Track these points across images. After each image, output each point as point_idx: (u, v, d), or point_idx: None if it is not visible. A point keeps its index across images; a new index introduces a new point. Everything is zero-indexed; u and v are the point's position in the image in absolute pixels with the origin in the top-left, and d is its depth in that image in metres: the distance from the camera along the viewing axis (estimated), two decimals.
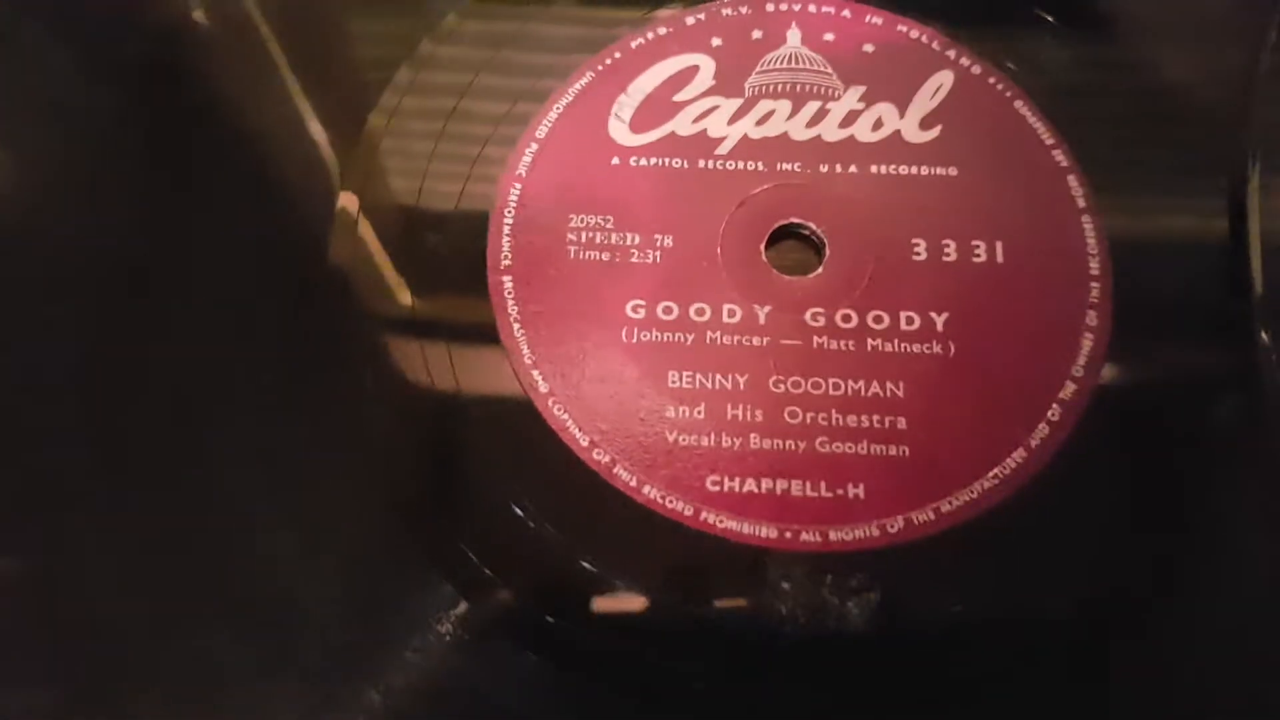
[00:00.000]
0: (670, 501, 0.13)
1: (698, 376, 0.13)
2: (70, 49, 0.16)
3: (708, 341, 0.13)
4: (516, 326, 0.14)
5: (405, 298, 0.14)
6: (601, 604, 0.12)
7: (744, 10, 0.15)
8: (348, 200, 0.14)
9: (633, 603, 0.12)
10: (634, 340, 0.13)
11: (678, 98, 0.15)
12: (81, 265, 0.15)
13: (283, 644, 0.13)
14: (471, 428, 0.13)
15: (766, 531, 0.12)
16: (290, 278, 0.14)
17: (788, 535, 0.12)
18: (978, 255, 0.14)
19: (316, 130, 0.15)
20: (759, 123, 0.15)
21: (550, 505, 0.13)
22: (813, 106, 0.15)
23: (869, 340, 0.13)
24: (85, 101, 0.16)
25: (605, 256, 0.14)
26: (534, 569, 0.13)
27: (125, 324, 0.14)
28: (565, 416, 0.13)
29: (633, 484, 0.13)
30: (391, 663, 0.12)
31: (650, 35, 0.15)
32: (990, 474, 0.12)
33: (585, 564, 0.12)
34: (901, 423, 0.13)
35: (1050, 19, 0.15)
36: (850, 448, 0.13)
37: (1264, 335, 0.13)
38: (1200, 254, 0.14)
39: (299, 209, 0.15)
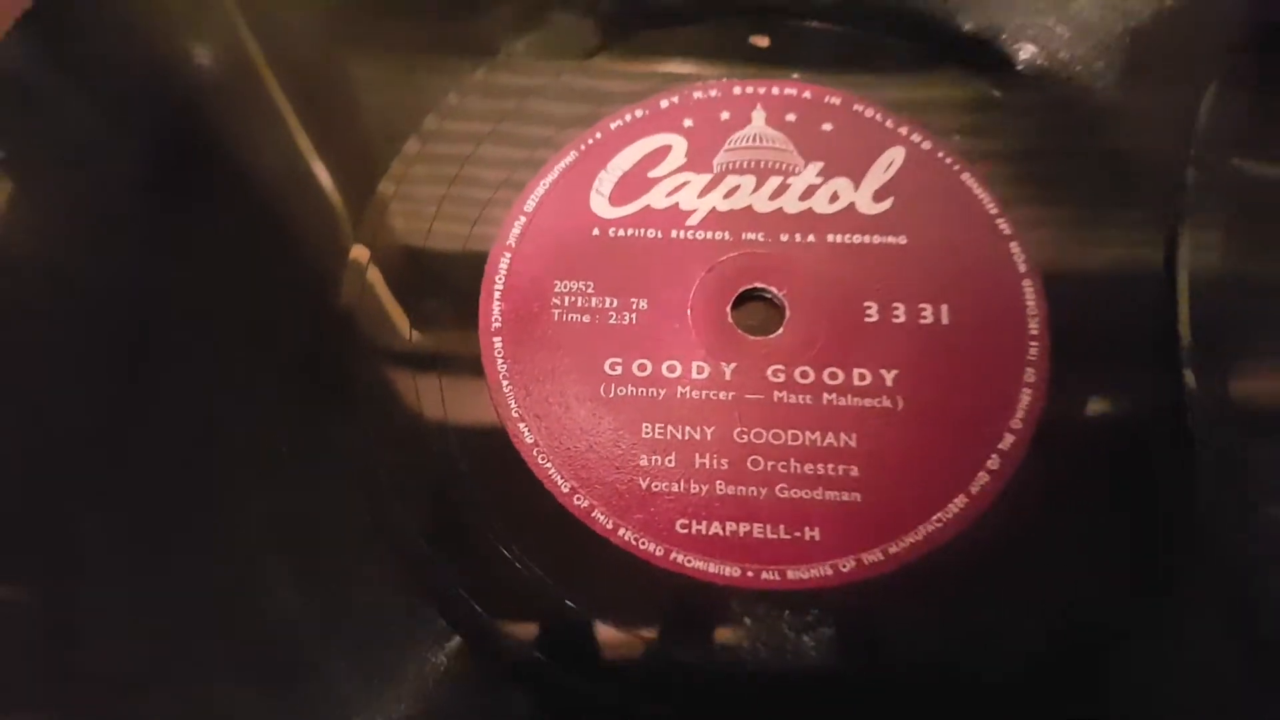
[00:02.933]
0: (643, 543, 0.14)
1: (669, 428, 0.14)
2: (103, 111, 0.18)
3: (678, 396, 0.15)
4: (505, 383, 0.15)
5: (407, 340, 0.15)
6: (604, 637, 0.13)
7: (713, 93, 0.17)
8: (359, 253, 0.16)
9: (616, 641, 0.13)
10: (611, 395, 0.15)
11: (652, 174, 0.16)
12: (103, 304, 0.16)
13: (280, 672, 0.14)
14: (462, 475, 0.14)
15: (730, 571, 0.14)
16: (303, 322, 0.16)
17: (750, 574, 0.14)
18: (925, 317, 0.15)
19: (333, 193, 0.17)
20: (726, 196, 0.16)
21: (535, 546, 0.14)
22: (775, 181, 0.16)
23: (825, 395, 0.15)
24: (114, 159, 0.17)
25: (586, 319, 0.15)
26: (519, 607, 0.14)
27: (144, 361, 0.15)
28: (549, 465, 0.14)
29: (609, 527, 0.14)
30: (388, 699, 0.13)
31: (628, 117, 0.17)
32: (934, 518, 0.14)
33: (568, 602, 0.14)
34: (854, 471, 0.14)
35: (997, 94, 0.17)
36: (807, 494, 0.14)
37: (1191, 382, 0.14)
38: (1136, 309, 0.15)
39: (315, 261, 0.16)
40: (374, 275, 0.16)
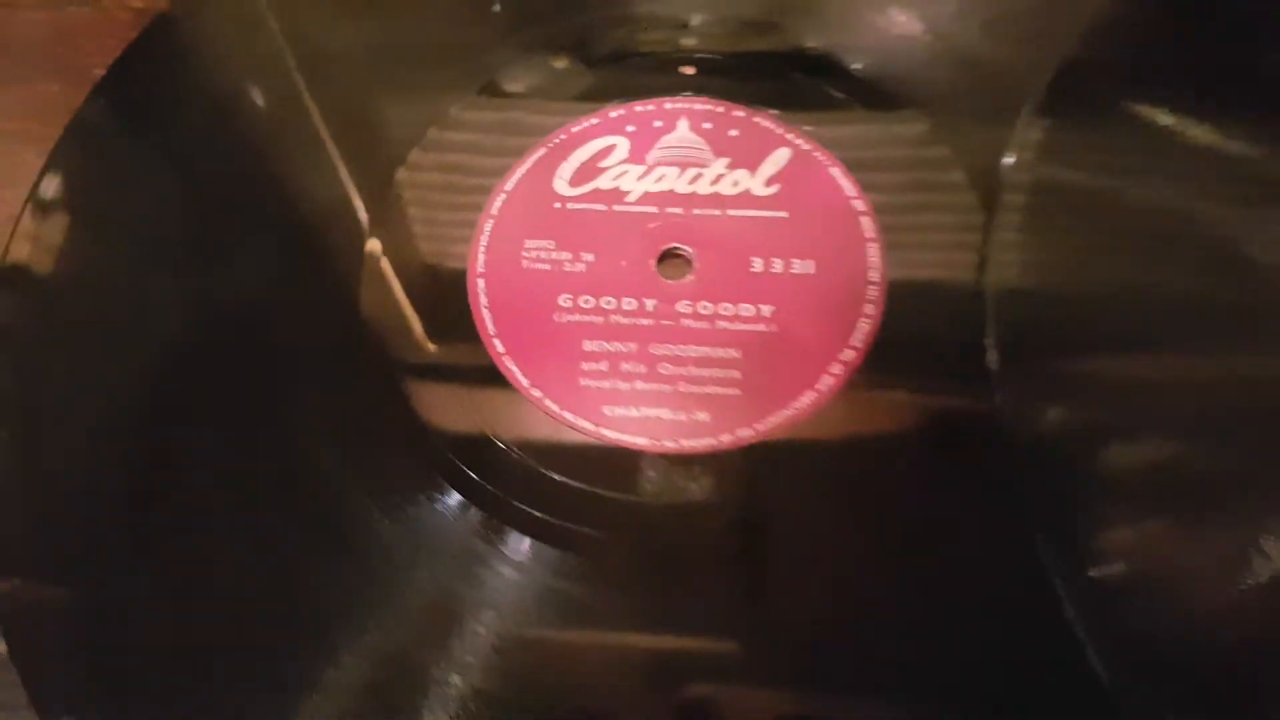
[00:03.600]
0: (580, 423, 0.19)
1: (603, 344, 0.20)
2: (162, 146, 0.23)
3: (611, 321, 0.20)
4: (485, 309, 0.20)
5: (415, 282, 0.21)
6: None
7: (650, 108, 0.22)
8: (373, 246, 0.21)
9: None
10: (562, 321, 0.20)
11: (602, 165, 0.22)
12: (152, 317, 0.21)
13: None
14: (445, 378, 0.20)
15: (642, 441, 0.19)
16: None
17: (655, 444, 0.19)
18: (794, 269, 0.20)
19: (356, 198, 0.22)
20: (656, 182, 0.21)
21: (514, 435, 0.19)
22: (692, 172, 0.21)
23: (718, 322, 0.20)
24: (168, 185, 0.22)
25: (547, 267, 0.21)
26: (505, 474, 0.19)
27: (175, 366, 0.20)
28: (514, 367, 0.20)
29: (557, 410, 0.19)
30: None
31: (586, 124, 0.22)
32: (791, 406, 0.19)
33: (531, 462, 0.19)
34: (736, 374, 0.19)
35: (841, 96, 0.22)
36: (700, 390, 0.19)
37: (999, 399, 0.19)
38: (951, 272, 0.20)
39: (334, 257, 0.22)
40: (383, 244, 0.21)
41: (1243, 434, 0.16)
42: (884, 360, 0.19)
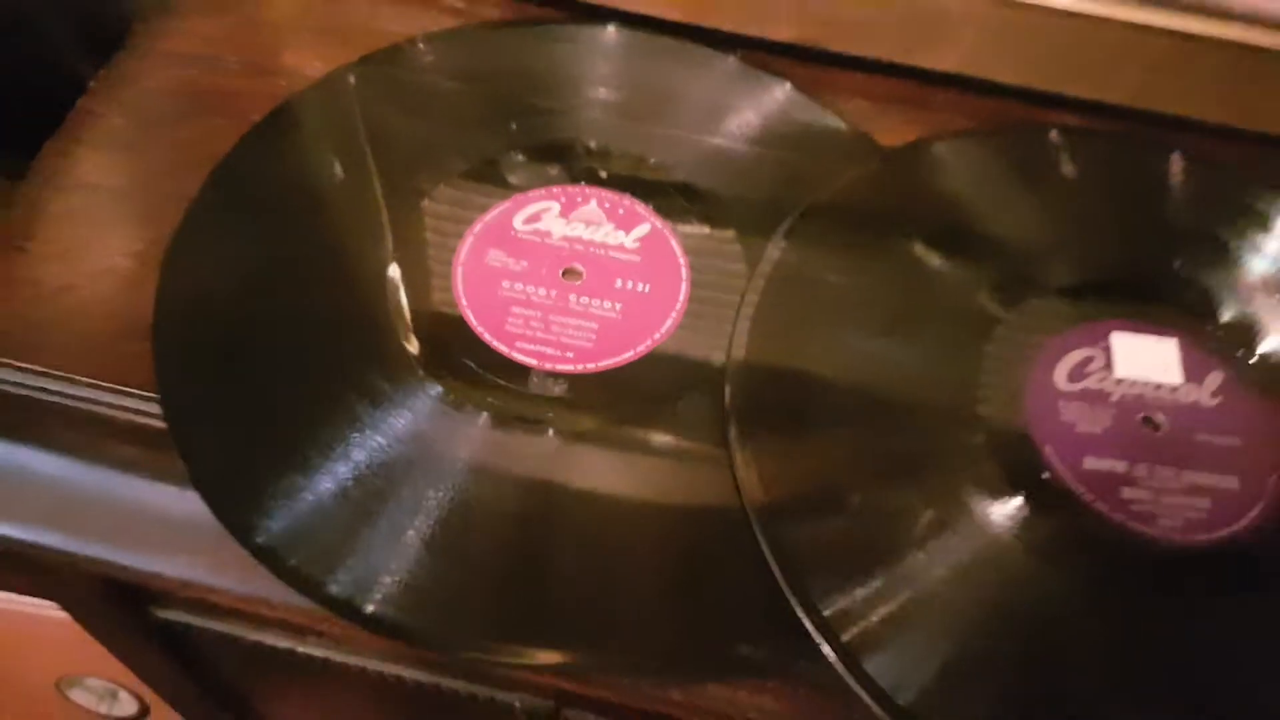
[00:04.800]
0: (501, 348, 0.34)
1: (523, 310, 0.35)
2: (260, 212, 0.39)
3: (530, 298, 0.35)
4: (460, 286, 0.35)
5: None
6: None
7: (576, 190, 0.38)
8: (394, 271, 0.36)
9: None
10: (503, 295, 0.35)
11: (540, 215, 0.37)
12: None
13: None
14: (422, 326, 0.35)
15: (532, 362, 0.34)
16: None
17: (539, 365, 0.34)
18: (638, 289, 0.36)
19: (388, 231, 0.37)
20: (570, 229, 0.37)
21: (443, 350, 0.34)
22: (593, 227, 0.37)
23: (590, 307, 0.35)
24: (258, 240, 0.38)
25: (498, 265, 0.36)
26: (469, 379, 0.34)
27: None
28: (473, 319, 0.35)
29: (491, 342, 0.34)
30: None
31: (537, 193, 0.38)
32: (628, 354, 0.34)
33: (480, 370, 0.33)
34: (592, 336, 0.34)
35: (699, 212, 0.38)
36: (574, 340, 0.34)
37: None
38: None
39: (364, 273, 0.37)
40: (401, 261, 0.37)
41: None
42: (696, 324, 0.35)
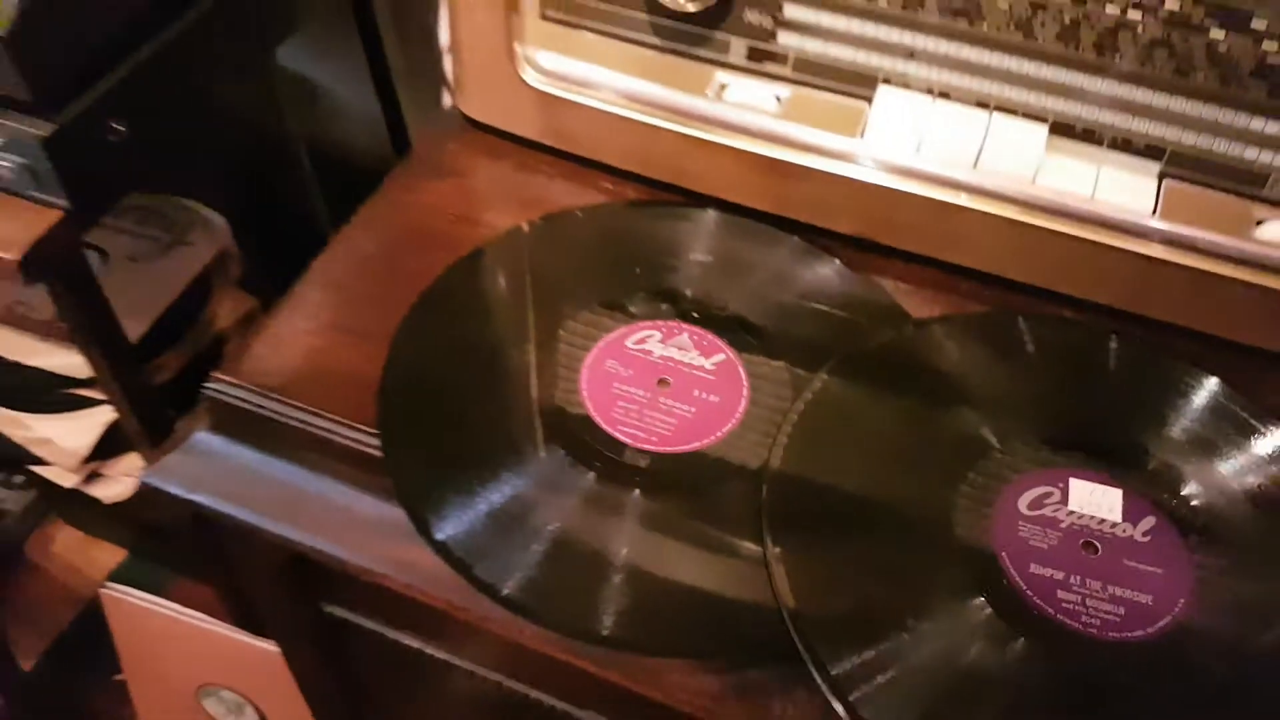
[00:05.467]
0: (607, 429, 0.47)
1: (626, 406, 0.48)
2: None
3: (633, 397, 0.49)
4: (586, 387, 0.49)
5: None
6: None
7: (674, 325, 0.52)
8: (537, 368, 0.51)
9: None
10: (613, 392, 0.49)
11: (647, 339, 0.51)
12: None
13: None
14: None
15: (628, 440, 0.47)
16: None
17: (633, 442, 0.47)
18: (710, 399, 0.49)
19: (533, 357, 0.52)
20: (665, 349, 0.51)
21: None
22: (683, 352, 0.51)
23: (674, 408, 0.48)
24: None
25: (613, 371, 0.50)
26: None
27: None
28: (591, 408, 0.48)
29: (601, 424, 0.48)
30: None
31: (647, 324, 0.52)
32: (704, 441, 0.47)
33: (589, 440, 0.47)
34: (673, 427, 0.47)
35: (759, 346, 0.51)
36: (656, 431, 0.47)
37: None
38: None
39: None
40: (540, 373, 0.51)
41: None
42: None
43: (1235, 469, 0.46)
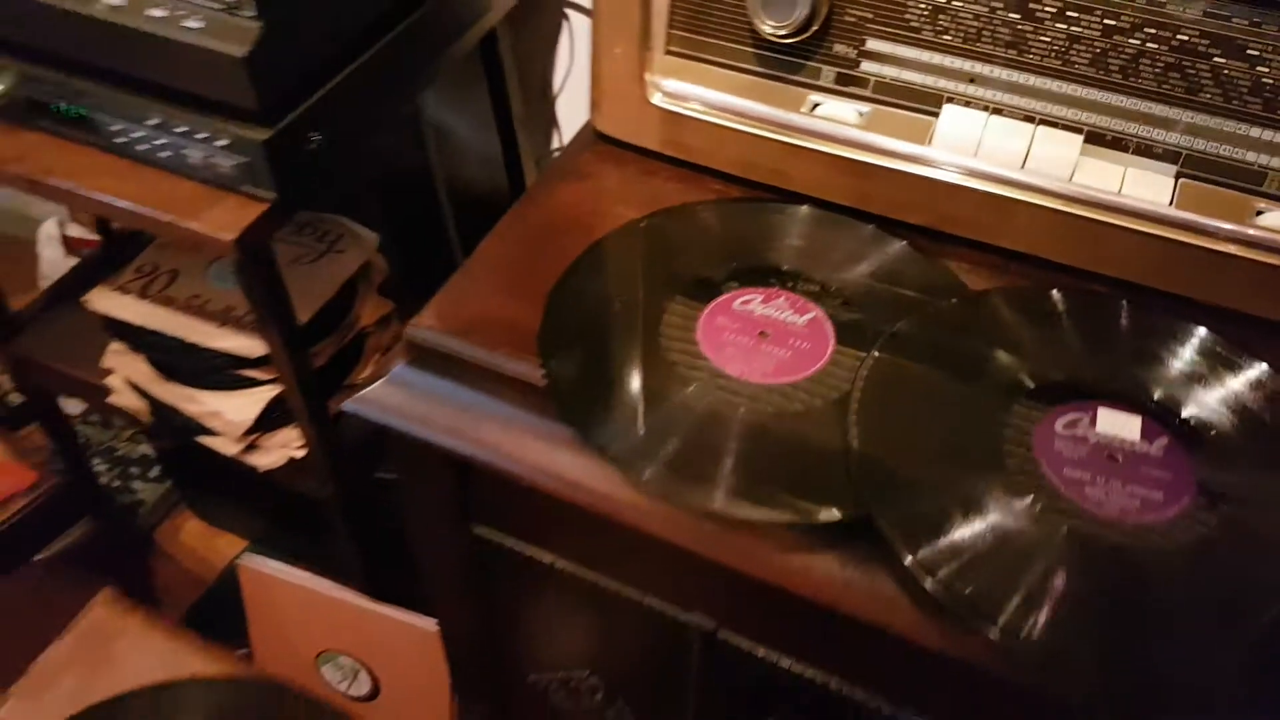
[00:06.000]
0: (720, 368, 0.59)
1: (737, 340, 0.60)
2: None
3: (737, 344, 0.61)
4: (700, 325, 0.62)
5: None
6: None
7: (773, 290, 0.64)
8: (668, 320, 0.63)
9: None
10: (722, 340, 0.61)
11: (749, 301, 0.63)
12: None
13: None
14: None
15: (735, 374, 0.59)
16: None
17: (742, 376, 0.59)
18: (805, 347, 0.61)
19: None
20: (764, 309, 0.63)
21: None
22: (781, 311, 0.63)
23: (774, 352, 0.60)
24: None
25: (724, 325, 0.62)
26: None
27: None
28: (705, 349, 0.60)
29: (716, 365, 0.60)
30: None
31: (751, 290, 0.64)
32: (798, 377, 0.59)
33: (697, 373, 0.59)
34: (774, 365, 0.59)
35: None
36: (761, 368, 0.59)
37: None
38: None
39: None
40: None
41: None
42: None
43: (1222, 396, 0.56)
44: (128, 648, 0.59)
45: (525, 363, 0.61)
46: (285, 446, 1.01)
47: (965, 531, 0.51)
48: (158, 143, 0.75)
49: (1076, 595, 0.49)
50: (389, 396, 0.63)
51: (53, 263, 1.61)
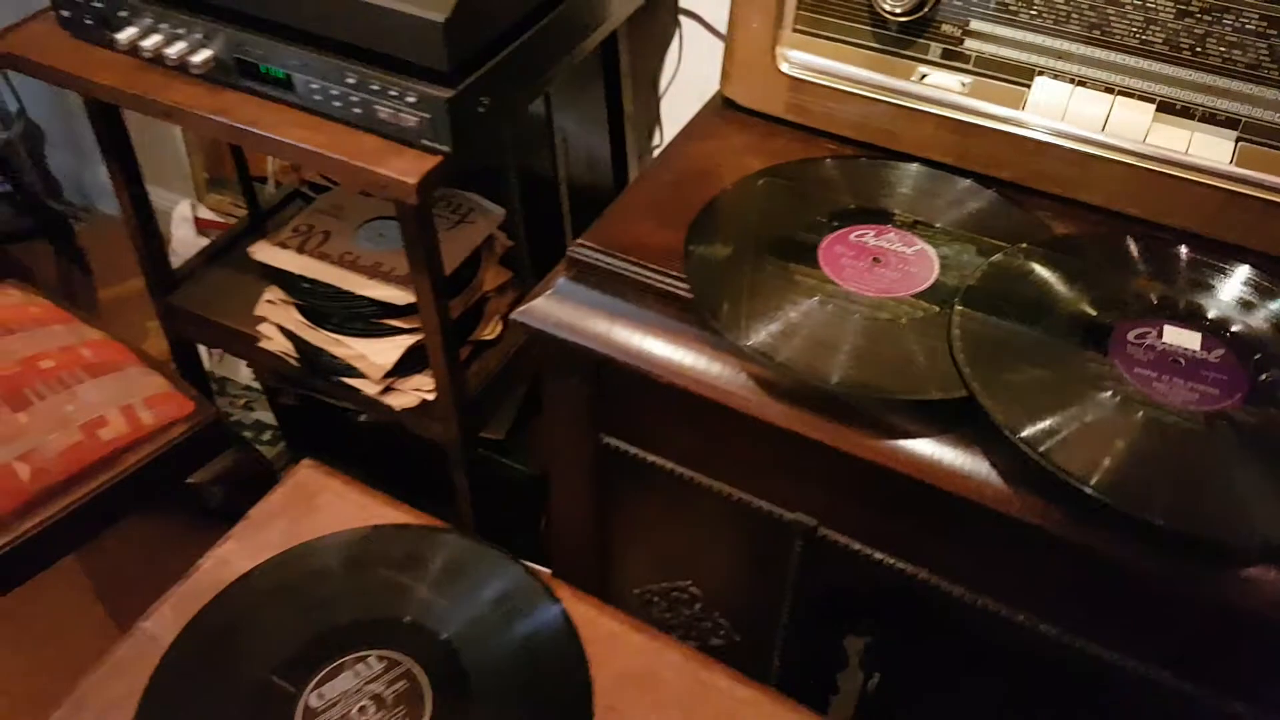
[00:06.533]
0: (837, 283, 0.70)
1: (851, 263, 0.71)
2: None
3: (853, 266, 0.72)
4: (821, 251, 0.73)
5: None
6: None
7: (887, 228, 0.75)
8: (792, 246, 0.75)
9: None
10: (841, 264, 0.72)
11: (865, 234, 0.74)
12: None
13: None
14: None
15: (853, 290, 0.70)
16: None
17: (859, 290, 0.70)
18: (914, 271, 0.71)
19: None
20: (876, 241, 0.74)
21: None
22: (890, 244, 0.74)
23: (882, 276, 0.71)
24: None
25: (842, 253, 0.73)
26: None
27: None
28: (825, 267, 0.71)
29: (832, 277, 0.71)
30: None
31: (868, 226, 0.75)
32: (907, 292, 0.69)
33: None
34: (880, 285, 0.70)
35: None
36: (873, 286, 0.70)
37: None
38: None
39: None
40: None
41: None
42: None
43: (1266, 316, 0.66)
44: (328, 501, 0.70)
45: (668, 277, 0.72)
46: (418, 390, 1.14)
47: (1058, 417, 0.61)
48: (351, 99, 0.88)
49: (1150, 463, 0.59)
50: (550, 305, 0.75)
51: (184, 240, 1.77)
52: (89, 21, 0.99)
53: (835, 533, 0.75)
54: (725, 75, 0.85)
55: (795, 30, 0.81)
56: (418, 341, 1.11)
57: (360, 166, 0.88)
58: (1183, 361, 0.64)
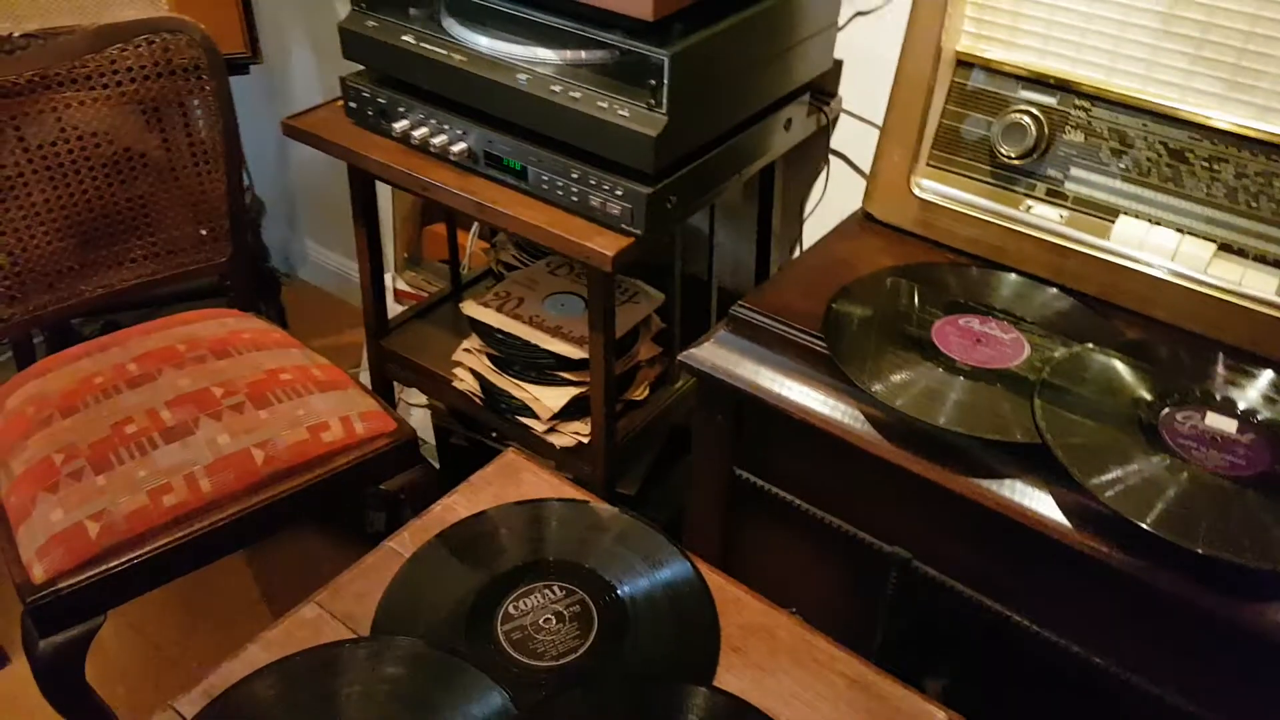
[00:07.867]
0: (950, 359, 0.90)
1: (959, 342, 0.91)
2: None
3: (958, 342, 0.91)
4: (934, 331, 0.92)
5: None
6: None
7: (988, 319, 0.95)
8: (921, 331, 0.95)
9: None
10: (947, 341, 0.91)
11: (971, 324, 0.94)
12: None
13: None
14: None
15: (970, 367, 0.89)
16: None
17: (970, 363, 0.89)
18: (1009, 352, 0.90)
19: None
20: (981, 327, 0.93)
21: None
22: (993, 328, 0.93)
23: (981, 354, 0.90)
24: None
25: (954, 334, 0.92)
26: None
27: None
28: (938, 343, 0.91)
29: (944, 352, 0.90)
30: None
31: (970, 318, 0.95)
32: (1000, 367, 0.88)
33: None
34: (984, 358, 0.89)
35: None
36: (980, 357, 0.89)
37: None
38: None
39: None
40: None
41: None
42: None
43: None
44: (528, 478, 0.91)
45: (808, 335, 0.93)
46: (576, 434, 1.35)
47: (1119, 470, 0.78)
48: (571, 189, 1.14)
49: (1190, 510, 0.75)
50: (711, 351, 0.97)
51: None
52: (370, 113, 1.28)
53: (927, 566, 0.92)
54: (868, 194, 1.08)
55: (928, 165, 1.03)
56: (582, 393, 1.33)
57: (572, 240, 1.12)
58: (1220, 439, 0.81)
